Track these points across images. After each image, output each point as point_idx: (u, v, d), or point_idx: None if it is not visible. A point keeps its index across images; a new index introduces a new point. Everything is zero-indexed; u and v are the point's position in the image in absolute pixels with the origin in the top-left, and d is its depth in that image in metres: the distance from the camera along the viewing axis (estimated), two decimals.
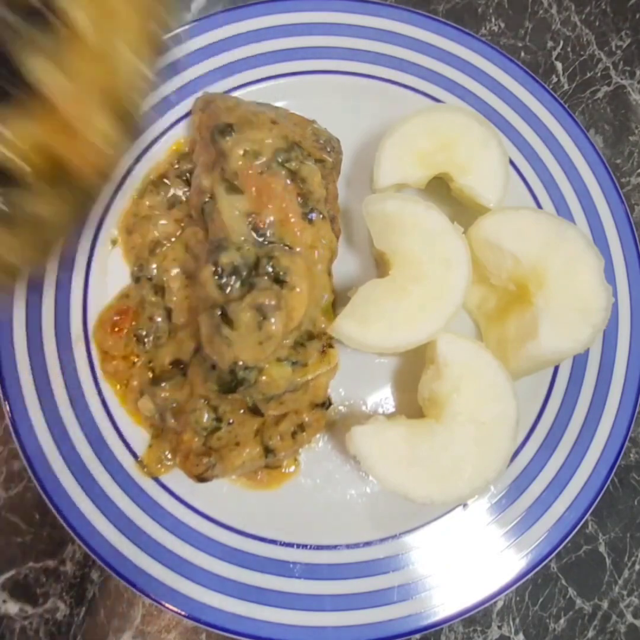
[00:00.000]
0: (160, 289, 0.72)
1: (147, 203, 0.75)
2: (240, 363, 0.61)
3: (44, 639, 0.70)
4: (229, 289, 0.61)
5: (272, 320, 0.61)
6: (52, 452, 0.67)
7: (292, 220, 0.65)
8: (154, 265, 0.72)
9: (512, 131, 0.79)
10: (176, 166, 0.76)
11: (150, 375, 0.70)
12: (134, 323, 0.71)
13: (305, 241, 0.65)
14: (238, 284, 0.62)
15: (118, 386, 0.70)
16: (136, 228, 0.74)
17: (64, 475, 0.67)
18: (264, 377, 0.63)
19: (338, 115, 0.77)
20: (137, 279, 0.73)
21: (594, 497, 0.70)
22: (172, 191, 0.75)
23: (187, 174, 0.76)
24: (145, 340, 0.71)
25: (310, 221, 0.66)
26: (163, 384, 0.68)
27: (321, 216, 0.66)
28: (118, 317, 0.71)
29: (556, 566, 0.76)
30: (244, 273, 0.62)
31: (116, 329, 0.71)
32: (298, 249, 0.65)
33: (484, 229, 0.70)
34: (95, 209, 0.74)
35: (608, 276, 0.69)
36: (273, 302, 0.61)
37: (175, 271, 0.72)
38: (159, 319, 0.71)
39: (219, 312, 0.61)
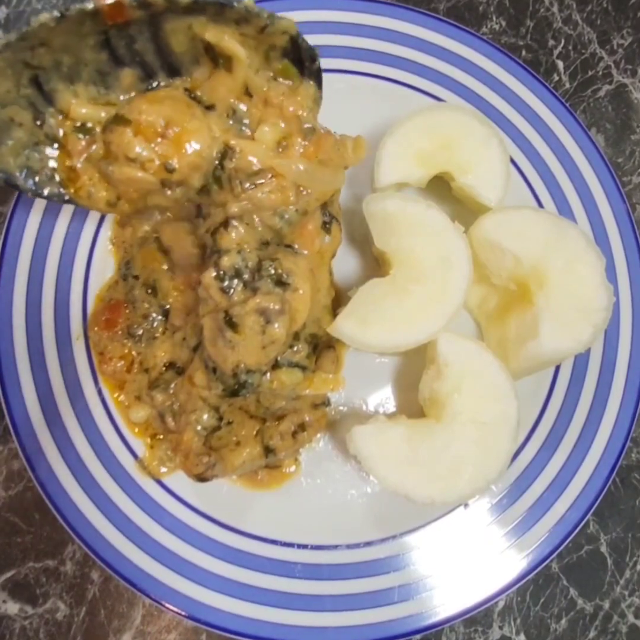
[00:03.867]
0: (152, 288, 0.72)
1: None
2: (242, 366, 0.61)
3: (44, 639, 0.70)
4: (231, 292, 0.61)
5: (276, 325, 0.60)
6: (52, 452, 0.67)
7: None
8: (140, 262, 0.72)
9: (513, 130, 0.79)
10: None
11: (147, 379, 0.70)
12: (127, 319, 0.71)
13: (307, 240, 0.65)
14: (241, 287, 0.61)
15: (116, 394, 0.71)
16: (129, 221, 0.73)
17: (64, 475, 0.67)
18: (274, 383, 0.63)
19: (338, 115, 0.76)
20: (124, 277, 0.73)
21: (595, 497, 0.69)
22: None
23: None
24: (139, 336, 0.71)
25: None
26: (161, 387, 0.68)
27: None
28: (110, 315, 0.71)
29: (557, 566, 0.75)
30: (246, 276, 0.61)
31: (110, 326, 0.71)
32: (297, 247, 0.64)
33: (485, 228, 0.70)
34: None
35: (609, 275, 0.69)
36: (277, 307, 0.60)
37: (161, 268, 0.71)
38: (154, 315, 0.71)
39: (223, 316, 0.61)
